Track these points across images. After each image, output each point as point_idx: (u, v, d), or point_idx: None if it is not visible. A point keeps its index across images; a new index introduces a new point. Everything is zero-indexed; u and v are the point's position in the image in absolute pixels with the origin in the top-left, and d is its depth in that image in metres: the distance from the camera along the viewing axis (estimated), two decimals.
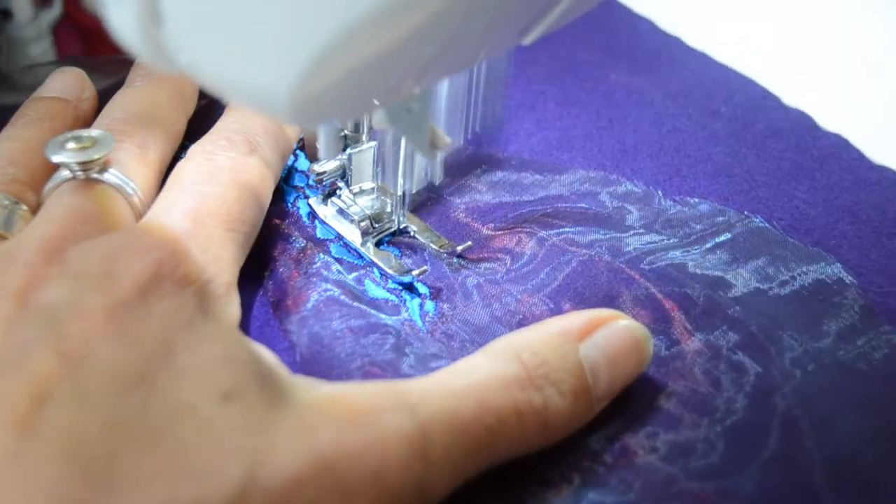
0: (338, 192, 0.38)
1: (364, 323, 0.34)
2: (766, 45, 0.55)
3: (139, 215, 0.34)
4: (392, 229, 0.38)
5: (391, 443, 0.26)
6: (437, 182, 0.40)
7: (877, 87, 0.53)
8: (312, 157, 0.37)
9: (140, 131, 0.36)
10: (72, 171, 0.33)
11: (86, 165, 0.32)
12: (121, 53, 0.42)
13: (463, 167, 0.43)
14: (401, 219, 0.38)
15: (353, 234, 0.37)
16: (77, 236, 0.29)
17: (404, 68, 0.23)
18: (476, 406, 0.27)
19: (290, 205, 0.40)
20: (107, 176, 0.33)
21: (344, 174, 0.37)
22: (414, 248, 0.38)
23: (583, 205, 0.41)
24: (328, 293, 0.35)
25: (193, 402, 0.25)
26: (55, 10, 0.46)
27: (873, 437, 0.31)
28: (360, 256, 0.37)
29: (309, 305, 0.35)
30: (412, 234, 0.38)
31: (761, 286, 0.36)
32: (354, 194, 0.37)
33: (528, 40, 0.27)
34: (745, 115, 0.48)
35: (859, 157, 0.45)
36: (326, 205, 0.38)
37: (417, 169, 0.37)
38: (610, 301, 0.36)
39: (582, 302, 0.36)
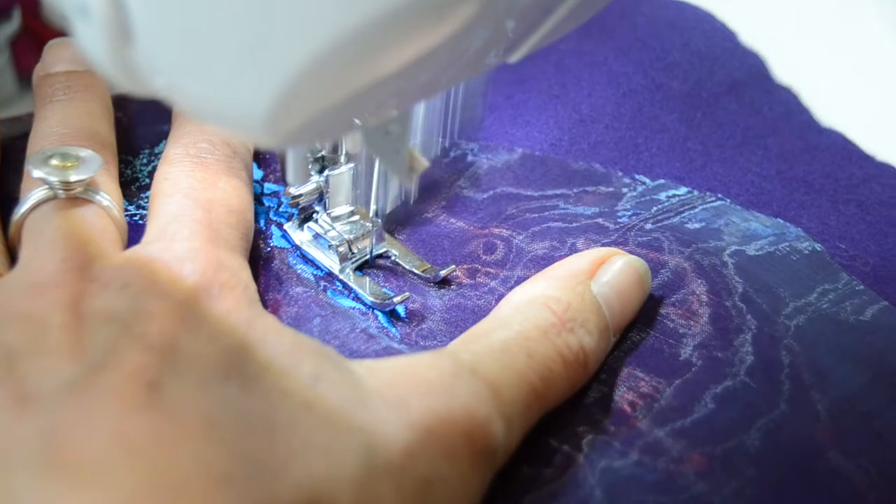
0: (314, 216, 0.36)
1: (344, 325, 0.33)
2: None
3: (123, 231, 0.33)
4: (368, 257, 0.36)
5: (471, 405, 0.27)
6: (411, 201, 0.38)
7: (832, 37, 0.52)
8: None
9: (95, 146, 0.34)
10: (53, 188, 0.31)
11: (69, 185, 0.31)
12: None
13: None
14: (374, 247, 0.36)
15: (330, 260, 0.35)
16: (88, 257, 0.29)
17: (386, 91, 0.22)
18: (526, 358, 0.28)
19: None
20: (93, 196, 0.32)
21: (321, 197, 0.35)
22: (395, 273, 0.36)
23: (552, 192, 0.40)
24: (302, 299, 0.34)
25: (287, 388, 0.26)
26: (13, 23, 0.43)
27: (866, 387, 0.32)
28: (319, 267, 0.36)
29: (284, 314, 0.34)
30: (393, 258, 0.36)
31: (741, 248, 0.37)
32: (332, 218, 0.36)
33: (514, 58, 0.26)
34: (701, 64, 0.46)
35: (808, 120, 0.44)
36: (303, 230, 0.36)
37: (393, 189, 0.35)
38: None
39: None
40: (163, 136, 0.37)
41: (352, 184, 0.35)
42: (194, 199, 0.32)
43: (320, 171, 0.34)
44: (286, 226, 0.37)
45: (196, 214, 0.31)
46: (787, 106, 0.45)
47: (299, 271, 0.36)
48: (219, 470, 0.23)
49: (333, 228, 0.36)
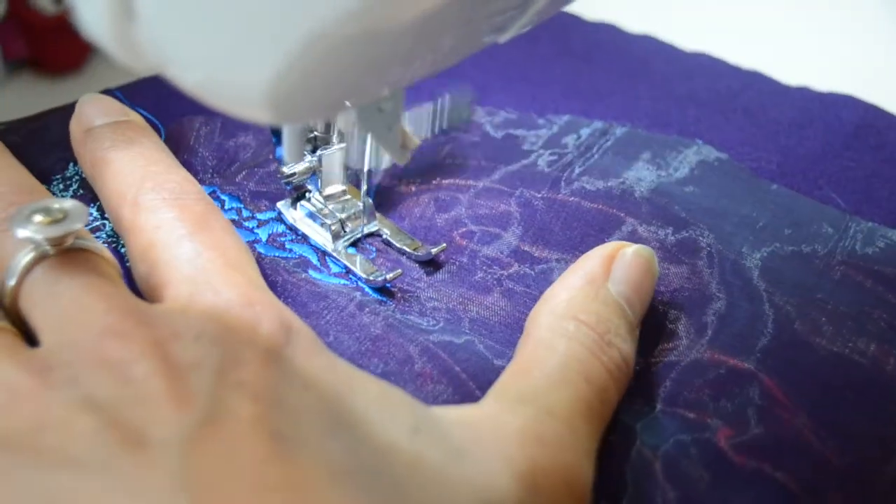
0: (307, 195, 0.36)
1: (335, 303, 0.34)
2: None
3: (119, 273, 0.30)
4: (361, 233, 0.37)
5: (561, 451, 0.27)
6: (402, 164, 0.36)
7: None
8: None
9: (36, 199, 0.31)
10: (40, 246, 0.28)
11: (58, 240, 0.28)
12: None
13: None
14: (368, 219, 0.37)
15: (323, 238, 0.36)
16: (129, 306, 0.27)
17: (382, 71, 0.23)
18: (585, 384, 0.28)
19: None
20: (85, 244, 0.29)
21: (313, 176, 0.36)
22: (386, 251, 0.36)
23: (475, 138, 0.41)
24: (283, 286, 0.34)
25: (392, 439, 0.25)
26: (0, 8, 0.42)
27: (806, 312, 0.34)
28: (293, 231, 0.36)
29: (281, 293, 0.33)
30: (384, 237, 0.37)
31: (662, 173, 0.39)
32: (325, 197, 0.36)
33: (502, 38, 0.27)
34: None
35: (672, 49, 0.48)
36: (296, 208, 0.36)
37: (385, 161, 0.36)
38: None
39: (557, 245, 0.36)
40: (66, 160, 0.36)
41: (343, 164, 0.36)
42: (202, 243, 0.30)
43: (313, 151, 0.35)
44: (279, 204, 0.37)
45: (217, 259, 0.30)
46: (648, 48, 0.48)
47: (274, 260, 0.36)
48: None
49: (326, 207, 0.36)
